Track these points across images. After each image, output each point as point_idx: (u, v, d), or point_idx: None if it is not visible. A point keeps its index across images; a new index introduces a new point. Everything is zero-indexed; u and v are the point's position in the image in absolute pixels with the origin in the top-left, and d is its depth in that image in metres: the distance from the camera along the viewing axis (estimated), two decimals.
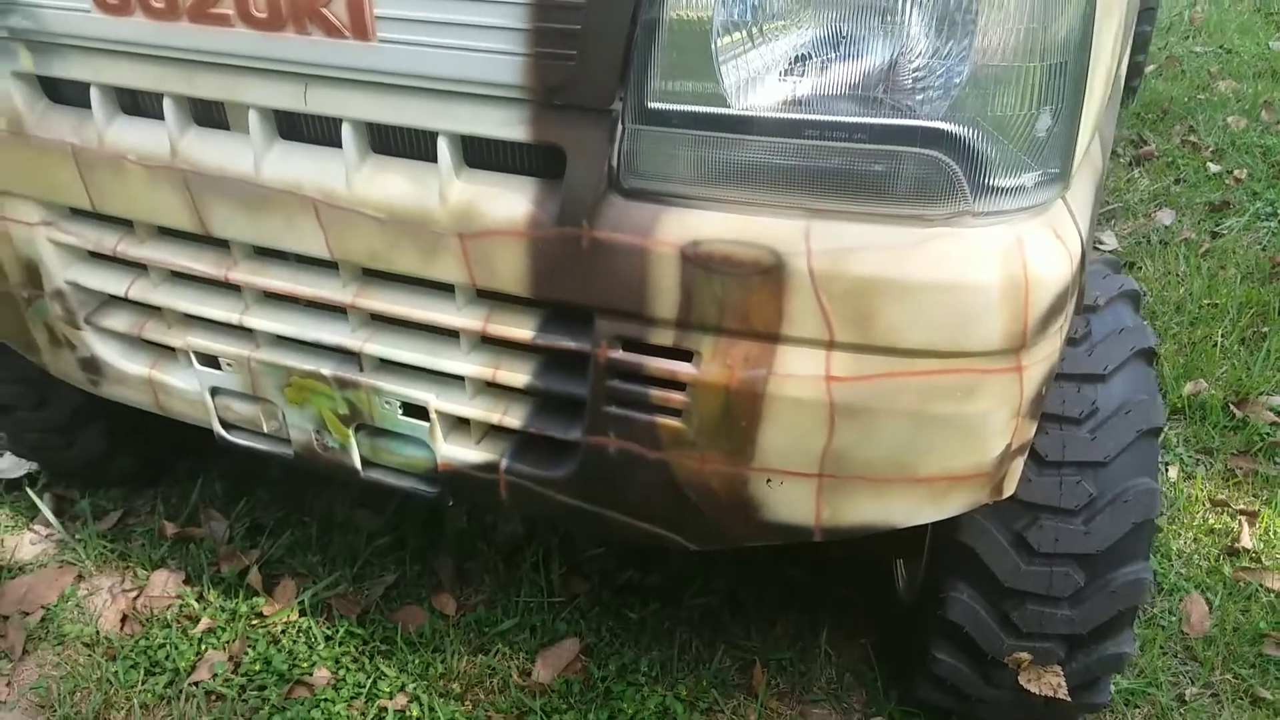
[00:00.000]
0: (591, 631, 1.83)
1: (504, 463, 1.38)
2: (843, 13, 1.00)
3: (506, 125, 1.15)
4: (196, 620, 1.92)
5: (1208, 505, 2.06)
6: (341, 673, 1.79)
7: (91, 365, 1.65)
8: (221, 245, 1.43)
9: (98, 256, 1.55)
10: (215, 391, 1.56)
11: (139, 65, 1.33)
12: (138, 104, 1.42)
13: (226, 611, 1.94)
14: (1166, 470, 2.15)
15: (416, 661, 1.80)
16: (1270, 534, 2.00)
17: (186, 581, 2.02)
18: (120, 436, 2.07)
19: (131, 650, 1.87)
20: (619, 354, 1.22)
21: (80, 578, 2.06)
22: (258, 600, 1.95)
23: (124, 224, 1.49)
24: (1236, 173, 3.44)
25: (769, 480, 1.23)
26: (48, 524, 2.14)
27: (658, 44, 1.05)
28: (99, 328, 1.61)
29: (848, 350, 1.12)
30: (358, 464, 1.51)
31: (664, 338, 1.19)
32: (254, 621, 1.92)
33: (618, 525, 1.37)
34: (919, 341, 1.09)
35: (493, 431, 1.41)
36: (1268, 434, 2.24)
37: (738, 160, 1.08)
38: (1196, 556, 1.94)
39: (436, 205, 1.22)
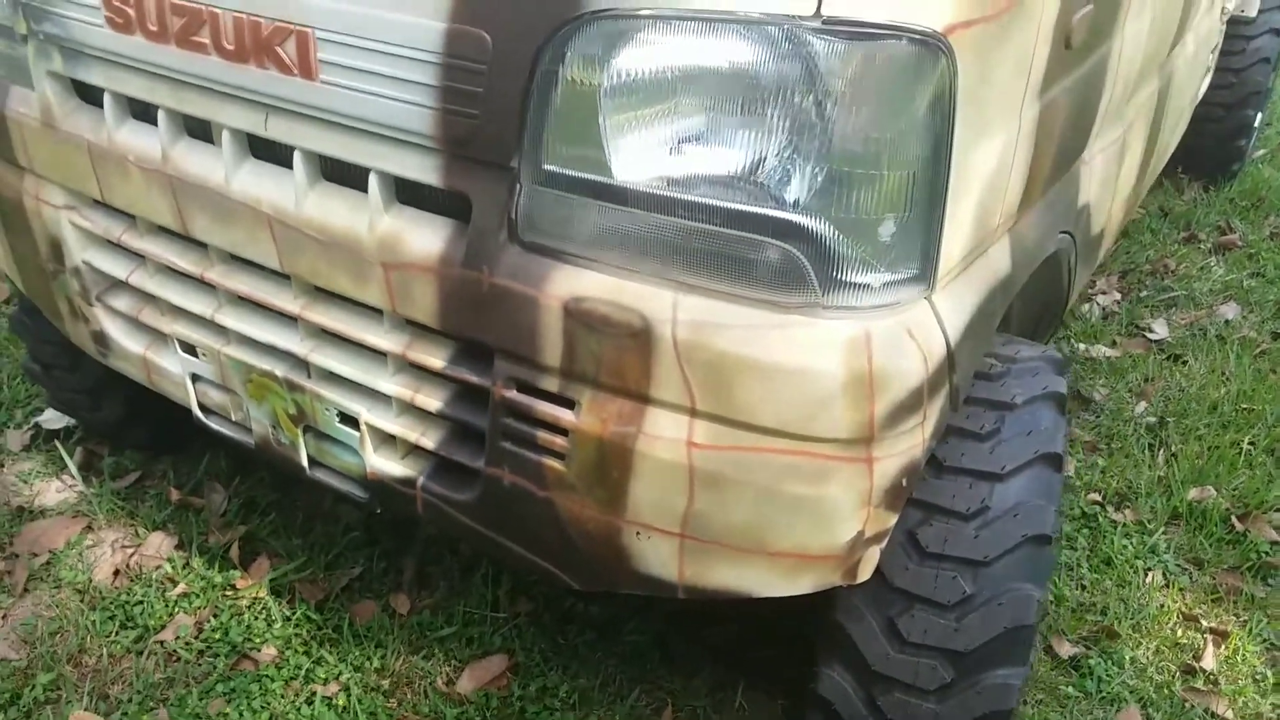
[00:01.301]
0: (524, 650, 1.89)
1: (421, 480, 1.46)
2: (712, 104, 1.04)
3: (423, 170, 1.24)
4: (176, 583, 2.07)
5: (1179, 618, 1.99)
6: (287, 653, 1.91)
7: (101, 339, 1.81)
8: (202, 247, 1.56)
9: (108, 242, 1.70)
10: (195, 378, 1.69)
11: (141, 78, 1.47)
12: (146, 111, 1.56)
13: (204, 579, 2.08)
14: (1146, 576, 2.08)
15: (357, 653, 1.90)
16: (1236, 657, 1.91)
17: (179, 546, 2.17)
18: (138, 405, 2.24)
19: (112, 603, 2.02)
20: (513, 394, 1.28)
21: (89, 529, 2.23)
22: (234, 573, 2.08)
23: (129, 217, 1.64)
24: None
25: (638, 533, 1.27)
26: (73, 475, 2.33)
27: (551, 112, 1.11)
28: (107, 306, 1.77)
29: (708, 419, 1.16)
30: (305, 462, 1.61)
31: (550, 384, 1.25)
32: (227, 592, 2.05)
33: (513, 555, 1.43)
34: (771, 420, 1.13)
35: (415, 449, 1.49)
36: (1266, 553, 2.14)
37: (619, 228, 1.14)
38: (1152, 669, 1.88)
39: (366, 234, 1.31)
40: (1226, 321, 3.01)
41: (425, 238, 1.28)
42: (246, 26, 1.28)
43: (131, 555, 2.17)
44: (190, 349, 1.66)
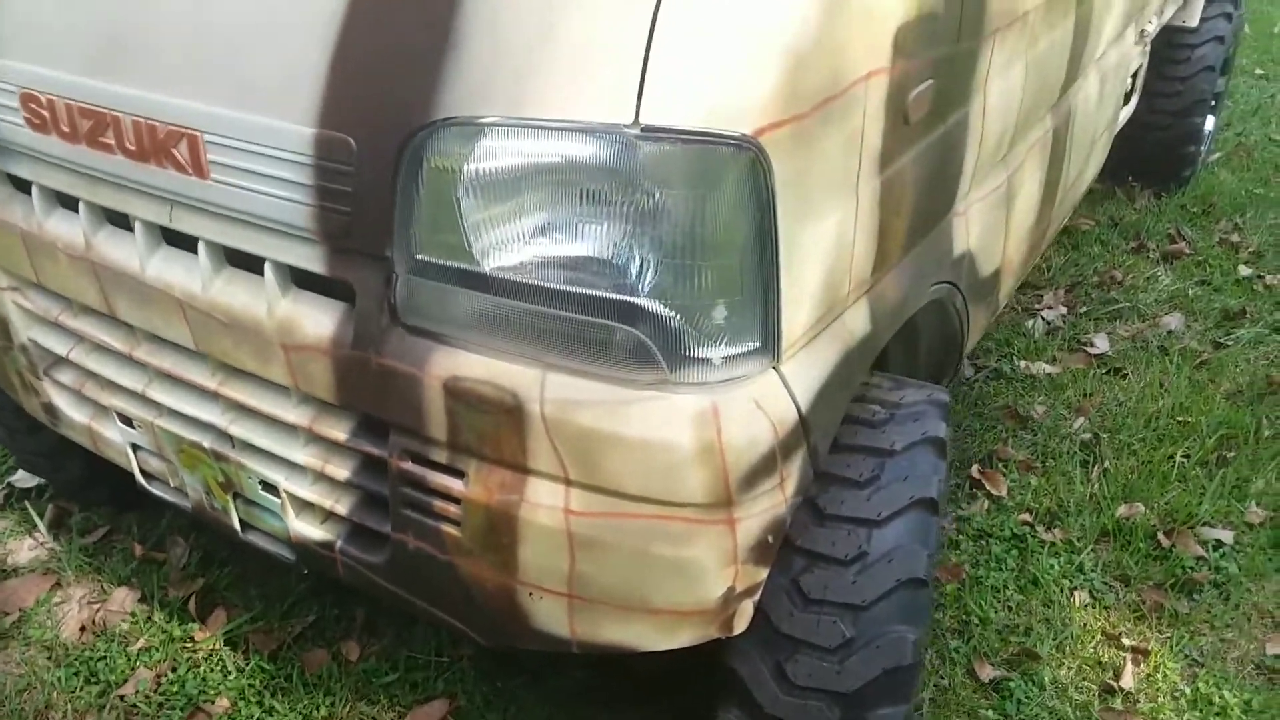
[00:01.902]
0: (465, 694, 1.97)
1: (339, 544, 1.54)
2: (555, 201, 1.12)
3: (309, 260, 1.32)
4: (138, 638, 2.15)
5: (1101, 637, 2.05)
6: (240, 704, 1.99)
7: (50, 409, 1.89)
8: (130, 326, 1.65)
9: (48, 322, 1.79)
10: (135, 447, 1.78)
11: (61, 173, 1.56)
12: (72, 201, 1.65)
13: (164, 633, 2.16)
14: (1073, 595, 2.14)
15: (307, 702, 1.98)
16: (1156, 675, 1.97)
17: (142, 600, 2.26)
18: (97, 466, 2.32)
19: (78, 659, 2.11)
20: (408, 465, 1.36)
21: (58, 585, 2.32)
22: (192, 626, 2.16)
23: (65, 298, 1.73)
24: (1268, 278, 3.33)
25: (531, 593, 1.34)
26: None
27: (416, 208, 1.19)
28: (54, 380, 1.86)
29: (581, 488, 1.24)
30: (237, 526, 1.69)
31: (440, 456, 1.33)
32: (185, 645, 2.14)
33: (426, 613, 1.51)
34: (637, 488, 1.20)
35: (332, 515, 1.57)
36: (1191, 568, 2.20)
37: (487, 313, 1.22)
38: (1072, 690, 1.94)
39: (266, 319, 1.39)
40: (1170, 332, 3.07)
41: (319, 321, 1.36)
42: (145, 130, 1.37)
43: (98, 611, 2.25)
44: (128, 420, 1.74)
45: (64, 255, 1.62)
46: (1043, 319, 3.15)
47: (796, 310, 1.19)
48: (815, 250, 1.18)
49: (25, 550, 2.44)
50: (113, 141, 1.42)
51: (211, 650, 2.12)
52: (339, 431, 1.43)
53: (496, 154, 1.11)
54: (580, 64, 1.03)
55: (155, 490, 1.82)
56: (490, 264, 1.18)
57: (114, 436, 1.80)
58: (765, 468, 1.20)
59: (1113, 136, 2.62)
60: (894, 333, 1.44)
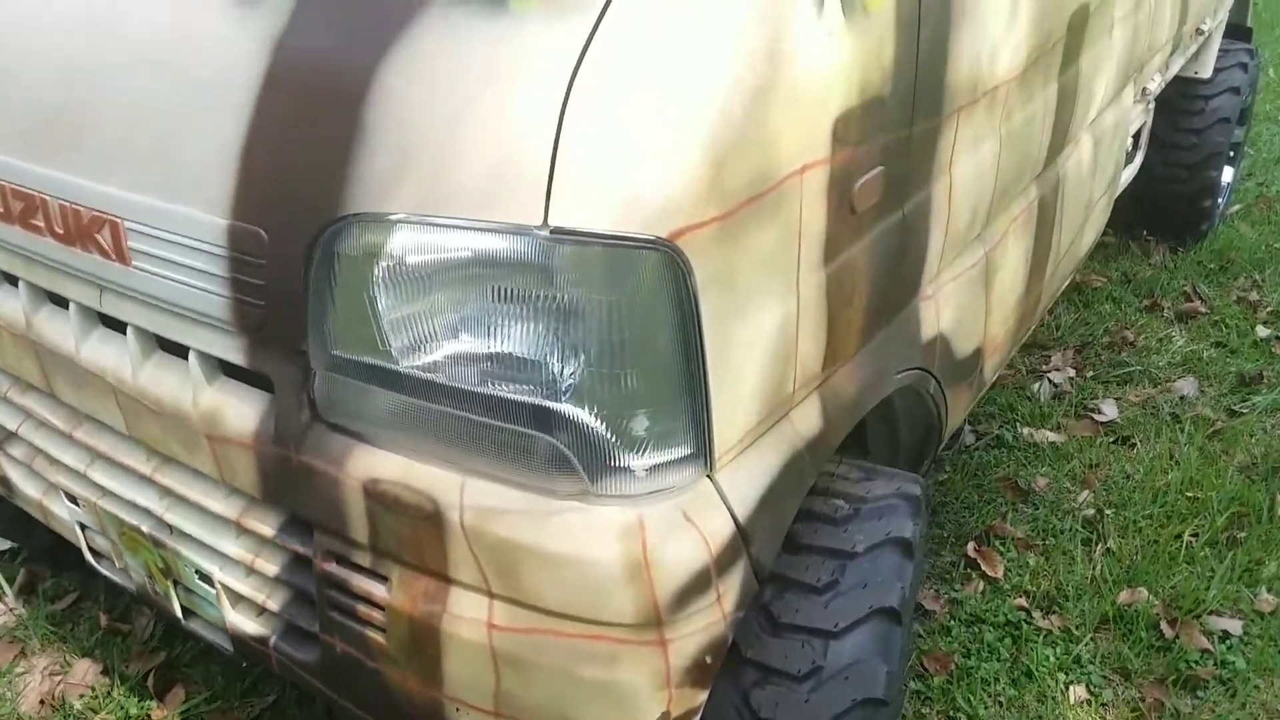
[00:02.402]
0: None
1: (273, 640, 1.47)
2: (468, 302, 1.05)
3: (229, 351, 1.26)
4: (96, 713, 2.08)
5: None
6: None
7: (5, 482, 1.84)
8: (71, 406, 1.59)
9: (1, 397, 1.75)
10: (82, 525, 1.72)
11: (1, 252, 1.51)
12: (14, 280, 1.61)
13: (123, 710, 2.09)
14: (1068, 690, 2.02)
15: None
16: None
17: (104, 672, 2.19)
18: None
19: None
20: (332, 567, 1.29)
21: (23, 655, 2.26)
22: (150, 704, 2.10)
23: (12, 375, 1.68)
24: None
25: (457, 708, 1.26)
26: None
27: (329, 303, 1.13)
28: (6, 453, 1.81)
29: (504, 601, 1.16)
30: (179, 613, 1.63)
31: (364, 559, 1.26)
32: None
33: (357, 717, 1.43)
34: (560, 605, 1.12)
35: (266, 610, 1.50)
36: (1195, 663, 2.07)
37: (405, 413, 1.15)
38: None
39: (191, 408, 1.33)
40: (1182, 398, 2.94)
41: (242, 413, 1.29)
42: (70, 214, 1.32)
43: (58, 684, 2.19)
44: (74, 499, 1.69)
45: (7, 333, 1.58)
46: (1049, 381, 3.04)
47: (731, 414, 1.11)
48: (751, 351, 1.10)
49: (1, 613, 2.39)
50: (42, 224, 1.38)
51: None
52: (267, 527, 1.36)
53: (407, 251, 1.04)
54: (487, 161, 0.97)
55: (103, 569, 1.77)
56: (406, 363, 1.11)
57: (63, 513, 1.75)
58: (698, 585, 1.11)
59: (1113, 199, 2.52)
60: (850, 427, 1.36)
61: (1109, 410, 2.88)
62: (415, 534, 1.18)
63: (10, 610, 2.38)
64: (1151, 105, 2.86)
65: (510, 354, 1.04)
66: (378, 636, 1.28)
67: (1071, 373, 3.09)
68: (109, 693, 2.13)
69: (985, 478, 2.64)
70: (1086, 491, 2.57)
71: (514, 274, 1.00)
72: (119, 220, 1.27)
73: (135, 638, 2.26)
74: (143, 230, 1.24)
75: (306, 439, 1.23)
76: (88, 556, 1.77)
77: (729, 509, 1.14)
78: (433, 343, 1.08)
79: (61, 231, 1.35)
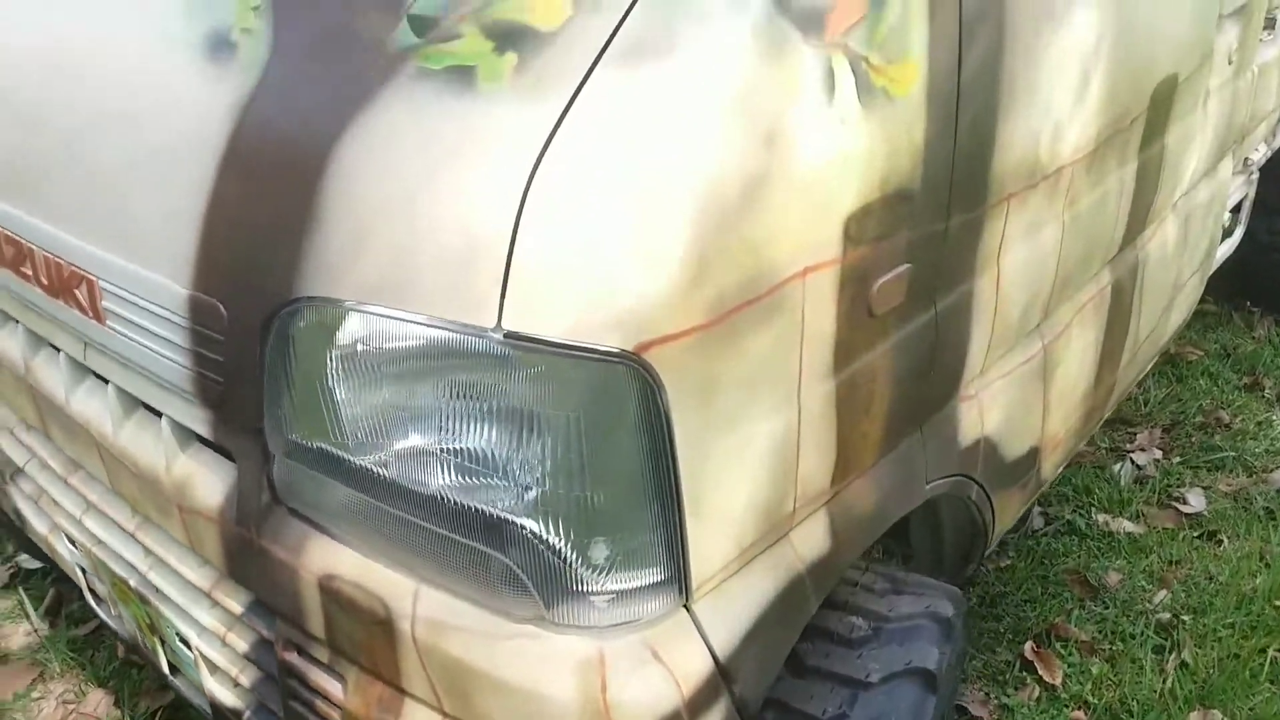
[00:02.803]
0: None
1: (247, 714, 1.39)
2: (421, 399, 0.95)
3: (196, 422, 1.19)
4: None
5: None
6: None
7: (19, 514, 1.82)
8: (66, 453, 1.55)
9: (7, 430, 1.72)
10: (82, 569, 1.68)
11: (3, 297, 1.48)
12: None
13: None
14: None
15: None
16: None
17: (116, 704, 2.16)
18: None
19: None
20: (293, 657, 1.21)
21: (41, 678, 2.25)
22: None
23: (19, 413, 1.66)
24: None
25: None
26: None
27: (285, 386, 1.04)
28: (18, 487, 1.79)
29: None
30: (165, 669, 1.57)
31: (322, 654, 1.17)
32: None
33: None
34: None
35: (240, 684, 1.42)
36: None
37: (360, 509, 1.05)
38: None
39: (164, 474, 1.26)
40: (1277, 492, 2.68)
41: (211, 485, 1.22)
42: (53, 266, 1.27)
43: (71, 713, 2.17)
44: (73, 541, 1.65)
45: (9, 373, 1.55)
46: (1132, 462, 2.81)
47: (713, 539, 0.99)
48: (736, 471, 0.98)
49: (20, 635, 2.38)
50: (30, 273, 1.33)
51: None
52: (235, 604, 1.29)
53: (359, 339, 0.95)
54: (442, 252, 0.87)
55: (101, 614, 1.73)
56: (359, 457, 1.02)
57: (65, 554, 1.71)
58: None
59: (1206, 276, 2.30)
60: (868, 544, 1.22)
61: (1195, 501, 2.64)
62: (369, 638, 1.09)
63: (35, 631, 2.38)
64: (1255, 175, 2.62)
65: (463, 460, 0.94)
66: None
67: (1158, 454, 2.85)
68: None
69: (1052, 568, 2.44)
70: (1164, 592, 2.35)
71: (467, 375, 0.90)
72: (95, 279, 1.21)
73: (148, 673, 2.22)
74: (114, 290, 1.18)
75: (266, 522, 1.15)
76: (88, 598, 1.73)
77: (707, 644, 1.01)
78: (386, 438, 0.99)
79: (46, 282, 1.31)
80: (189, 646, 1.43)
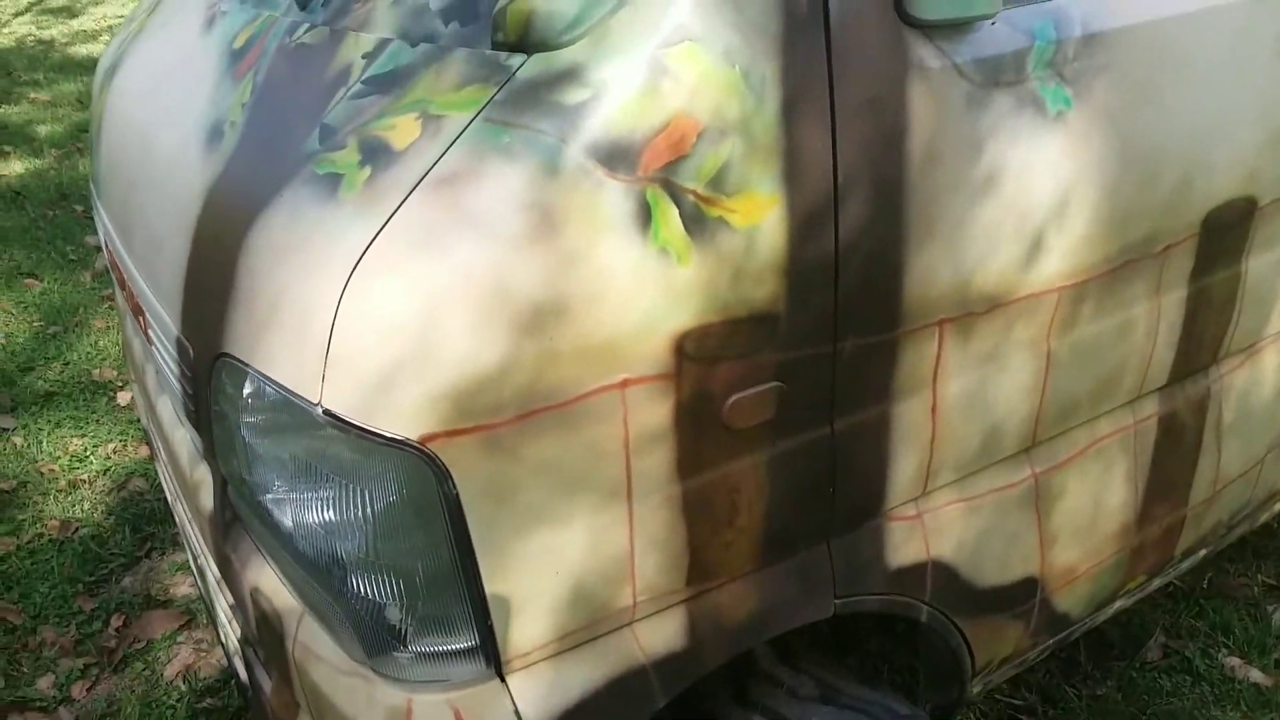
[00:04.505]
0: None
1: (249, 694, 1.60)
2: (280, 454, 1.10)
3: (195, 441, 1.40)
4: (208, 697, 2.38)
5: None
6: None
7: None
8: None
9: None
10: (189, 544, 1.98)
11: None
12: None
13: (235, 696, 2.36)
14: None
15: None
16: None
17: None
18: None
19: (158, 702, 2.37)
20: (249, 651, 1.39)
21: (187, 626, 2.63)
22: None
23: None
24: None
25: None
26: None
27: (218, 424, 1.22)
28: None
29: None
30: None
31: (261, 654, 1.35)
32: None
33: None
34: None
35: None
36: None
37: (264, 540, 1.26)
38: None
39: (189, 477, 1.50)
40: None
41: (208, 494, 1.43)
42: (132, 292, 1.54)
43: (202, 658, 2.52)
44: None
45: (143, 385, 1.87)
46: None
47: (526, 618, 1.06)
48: (549, 560, 1.04)
49: (184, 586, 2.79)
50: (127, 298, 1.62)
51: None
52: (227, 599, 1.49)
53: (249, 396, 1.11)
54: (293, 334, 1.01)
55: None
56: (258, 494, 1.17)
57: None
58: None
59: None
60: (742, 650, 1.22)
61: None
62: (274, 650, 1.25)
63: (195, 584, 2.78)
64: None
65: (306, 515, 1.08)
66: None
67: None
68: (230, 680, 2.42)
69: (1152, 705, 2.22)
70: None
71: (308, 437, 1.03)
72: (143, 310, 1.46)
73: None
74: (152, 321, 1.42)
75: (229, 534, 1.34)
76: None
77: (517, 714, 1.08)
78: (268, 484, 1.14)
79: (131, 306, 1.58)
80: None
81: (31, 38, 8.46)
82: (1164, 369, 1.52)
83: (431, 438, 0.95)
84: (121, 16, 8.99)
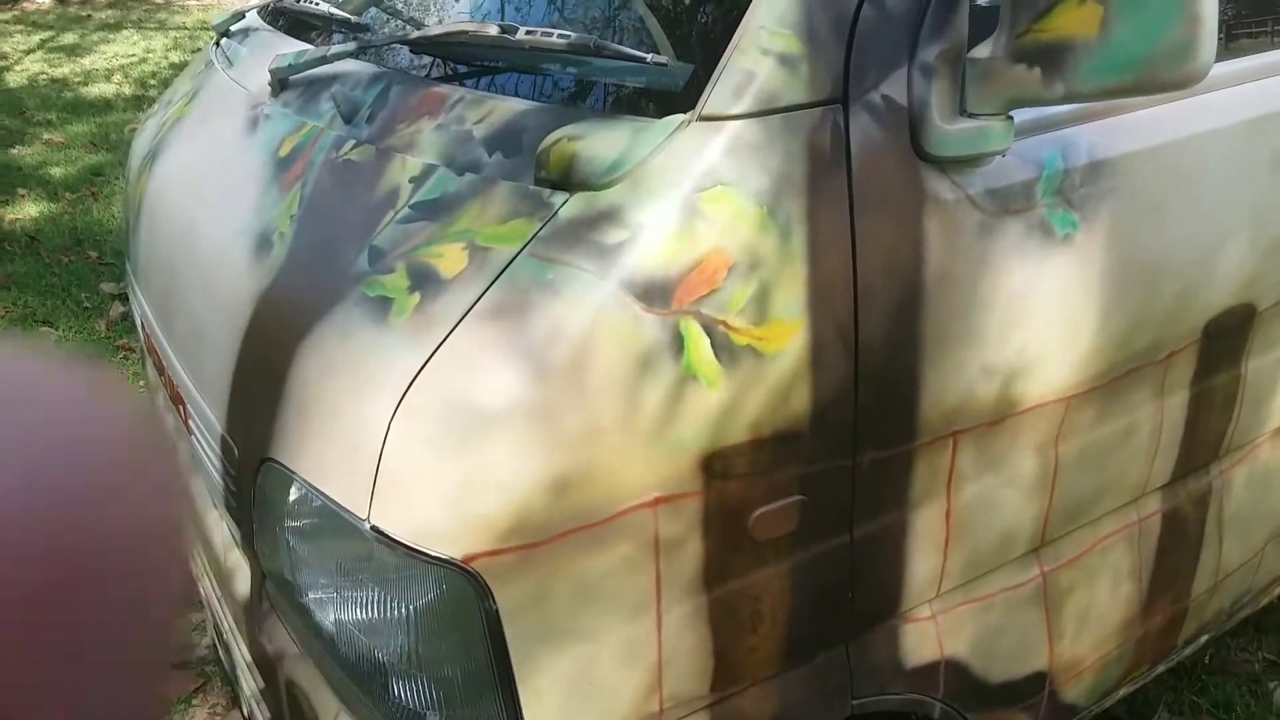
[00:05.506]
0: None
1: None
2: (329, 562, 1.15)
3: (232, 531, 1.45)
4: None
5: None
6: None
7: None
8: None
9: None
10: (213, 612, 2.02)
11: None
12: None
13: None
14: None
15: None
16: None
17: None
18: None
19: None
20: None
21: (202, 689, 2.66)
22: None
23: None
24: None
25: None
26: None
27: (262, 524, 1.28)
28: None
29: None
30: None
31: None
32: None
33: None
34: None
35: None
36: None
37: (304, 638, 1.29)
38: None
39: (222, 561, 1.54)
40: None
41: (243, 581, 1.48)
42: (170, 381, 1.59)
43: None
44: None
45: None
46: None
47: None
48: (584, 668, 1.09)
49: (203, 648, 2.82)
50: (166, 387, 1.67)
51: None
52: (255, 683, 1.53)
53: (296, 502, 1.16)
54: (343, 452, 1.06)
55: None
56: (302, 596, 1.22)
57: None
58: None
59: None
60: None
61: None
62: None
63: (212, 647, 2.80)
64: None
65: (347, 618, 1.12)
66: None
67: None
68: None
69: None
70: None
71: (349, 550, 1.08)
72: (184, 402, 1.51)
73: None
74: (192, 412, 1.48)
75: (264, 624, 1.38)
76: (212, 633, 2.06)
77: None
78: (311, 585, 1.19)
79: (170, 392, 1.64)
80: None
81: (44, 75, 8.47)
82: (1167, 467, 1.57)
83: (474, 557, 1.00)
84: (131, 55, 9.04)
